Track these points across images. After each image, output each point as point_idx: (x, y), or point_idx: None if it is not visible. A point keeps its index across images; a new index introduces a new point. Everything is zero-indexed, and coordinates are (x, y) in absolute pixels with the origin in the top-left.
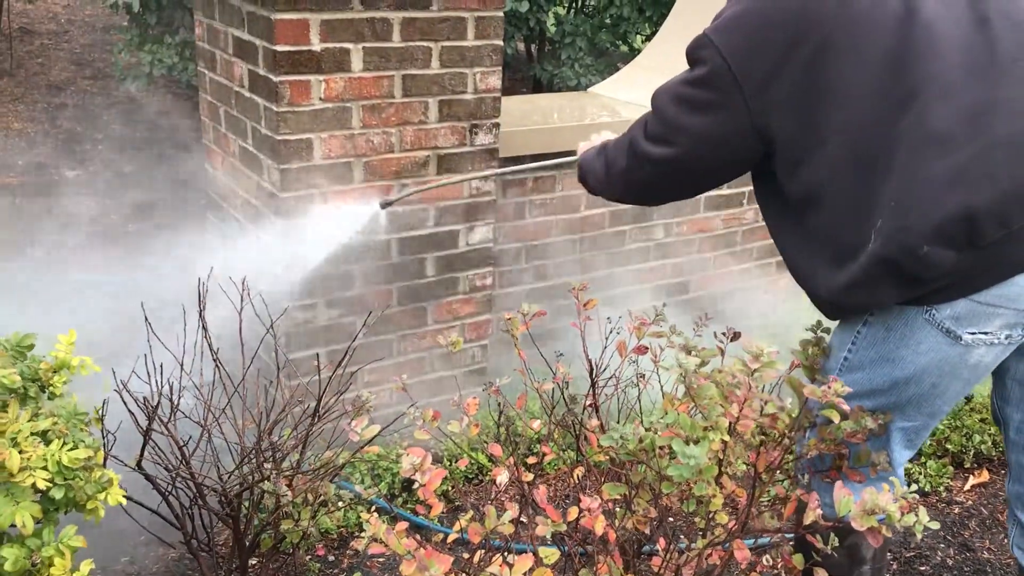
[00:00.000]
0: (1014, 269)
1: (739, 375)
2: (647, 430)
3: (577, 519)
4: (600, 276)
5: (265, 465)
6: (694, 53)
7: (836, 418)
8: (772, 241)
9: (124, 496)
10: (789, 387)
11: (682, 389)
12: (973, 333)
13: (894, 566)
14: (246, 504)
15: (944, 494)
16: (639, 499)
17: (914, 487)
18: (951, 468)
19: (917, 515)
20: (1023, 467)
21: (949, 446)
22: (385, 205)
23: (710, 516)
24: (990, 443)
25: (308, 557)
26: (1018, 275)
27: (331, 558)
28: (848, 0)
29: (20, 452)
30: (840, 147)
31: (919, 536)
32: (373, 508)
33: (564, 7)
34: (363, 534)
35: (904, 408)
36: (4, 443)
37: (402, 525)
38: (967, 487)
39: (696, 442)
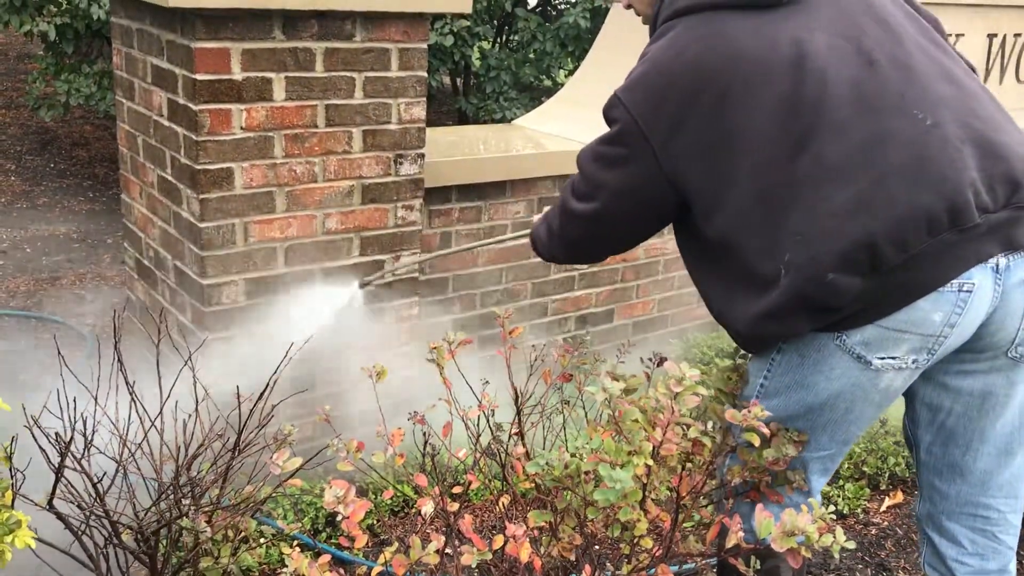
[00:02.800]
0: (917, 294)
1: (662, 399)
2: (572, 456)
3: (503, 547)
4: (526, 305)
5: (183, 501)
6: (607, 113)
7: (756, 441)
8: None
9: (34, 538)
10: (711, 414)
11: (606, 416)
12: (882, 358)
13: None
14: (164, 542)
15: (862, 515)
16: (564, 526)
17: (832, 509)
18: (868, 490)
19: (834, 536)
20: (934, 488)
21: (866, 468)
22: (364, 285)
23: (635, 541)
24: (904, 465)
25: None
26: (920, 300)
27: None
28: (741, 51)
29: None
30: (747, 189)
31: (837, 556)
32: (296, 544)
33: (489, 42)
34: (285, 570)
35: (819, 436)
36: None
37: (325, 558)
38: (883, 508)
39: (622, 466)
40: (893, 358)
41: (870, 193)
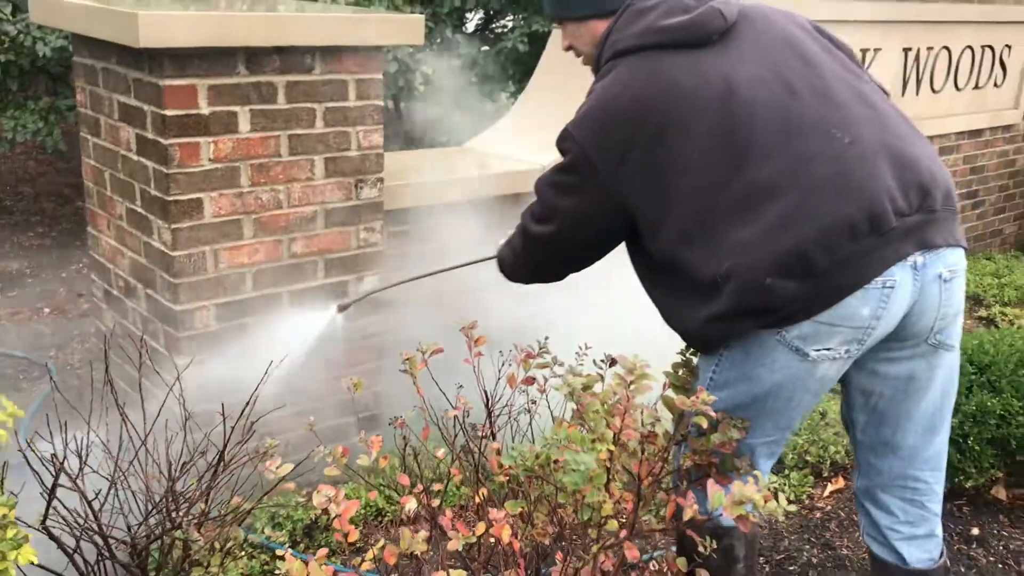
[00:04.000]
0: (846, 292)
1: (618, 389)
2: (542, 448)
3: (486, 531)
4: (484, 323)
5: (174, 514)
6: (560, 145)
7: (704, 423)
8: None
9: (25, 564)
10: (665, 406)
11: (570, 413)
12: (818, 350)
13: (766, 568)
14: (155, 555)
15: (807, 501)
16: (538, 513)
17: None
18: (811, 478)
19: (777, 501)
20: (869, 464)
21: (809, 458)
22: (343, 309)
23: (602, 522)
24: (844, 453)
25: None
26: (849, 297)
27: None
28: (677, 86)
29: None
30: (688, 208)
31: (782, 518)
32: (276, 554)
33: (431, 67)
34: (278, 573)
35: (764, 423)
36: None
37: (322, 552)
38: (826, 494)
39: (587, 452)
40: (828, 349)
41: (799, 206)
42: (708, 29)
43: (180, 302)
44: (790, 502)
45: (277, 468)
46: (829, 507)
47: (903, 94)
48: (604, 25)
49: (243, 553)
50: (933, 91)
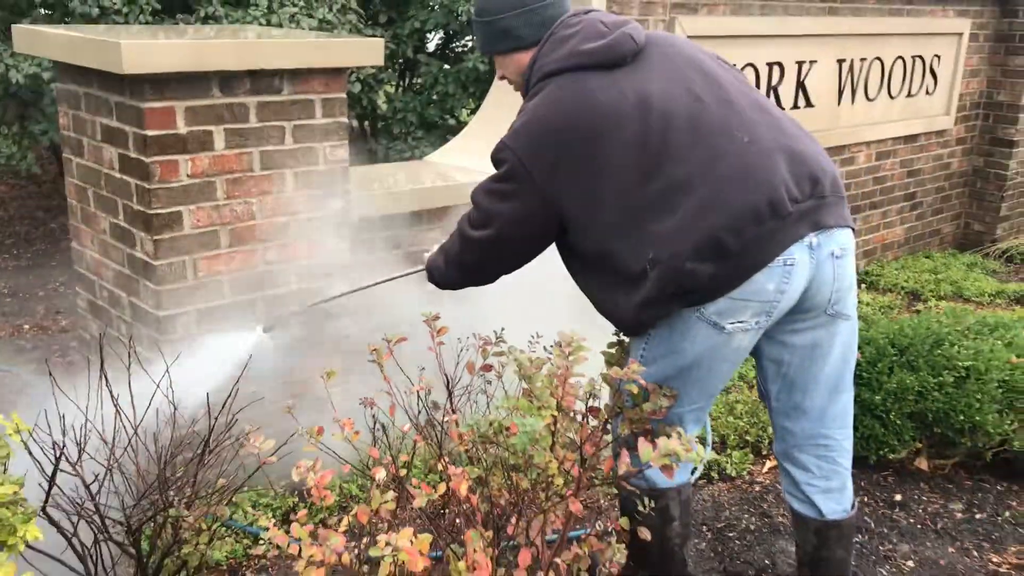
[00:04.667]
0: (753, 270)
1: (558, 360)
2: (495, 417)
3: (447, 489)
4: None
5: (169, 493)
6: (496, 156)
7: (635, 390)
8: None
9: (27, 545)
10: (604, 382)
11: (520, 389)
12: (732, 323)
13: (708, 535)
14: (148, 534)
15: (747, 476)
16: (494, 477)
17: (722, 472)
18: (751, 456)
19: (697, 451)
20: (784, 428)
21: (748, 438)
22: (268, 330)
23: (550, 481)
24: None
25: None
26: (756, 275)
27: None
28: (599, 102)
29: None
30: (614, 207)
31: (700, 469)
32: (258, 539)
33: (392, 86)
34: (262, 541)
35: (690, 391)
36: None
37: (309, 527)
38: (764, 470)
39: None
40: (741, 322)
41: (710, 198)
42: (622, 51)
43: (163, 308)
44: (731, 478)
45: (260, 444)
46: (767, 482)
47: (839, 103)
48: (528, 56)
49: (228, 534)
50: (868, 99)
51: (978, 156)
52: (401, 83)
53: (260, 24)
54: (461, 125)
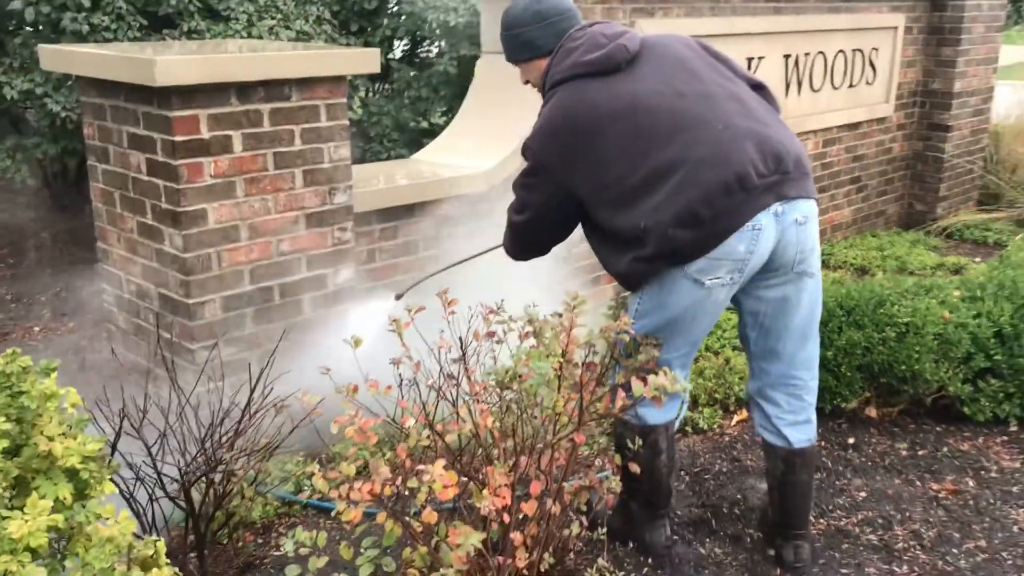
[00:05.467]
0: (726, 234)
1: (564, 312)
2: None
3: (473, 424)
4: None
5: (219, 451)
6: (523, 154)
7: (627, 339)
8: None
9: (110, 492)
10: (602, 339)
11: (527, 346)
12: (711, 279)
13: (687, 478)
14: (201, 488)
15: (718, 429)
16: (508, 417)
17: (696, 426)
18: (720, 411)
19: (680, 383)
20: (761, 369)
21: (717, 395)
22: (399, 297)
23: (556, 416)
24: (744, 391)
25: (240, 544)
26: (729, 238)
27: (259, 541)
28: (597, 105)
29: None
30: (615, 190)
31: (685, 396)
32: (286, 502)
33: (365, 91)
34: (306, 486)
35: (677, 340)
36: (43, 439)
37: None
38: (733, 423)
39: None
40: (718, 278)
41: (688, 178)
42: (616, 60)
43: (192, 296)
44: (703, 431)
45: (306, 399)
46: (736, 433)
47: (787, 94)
48: (546, 63)
49: (267, 491)
50: (813, 90)
51: (917, 141)
52: (374, 88)
53: (241, 37)
54: (433, 126)
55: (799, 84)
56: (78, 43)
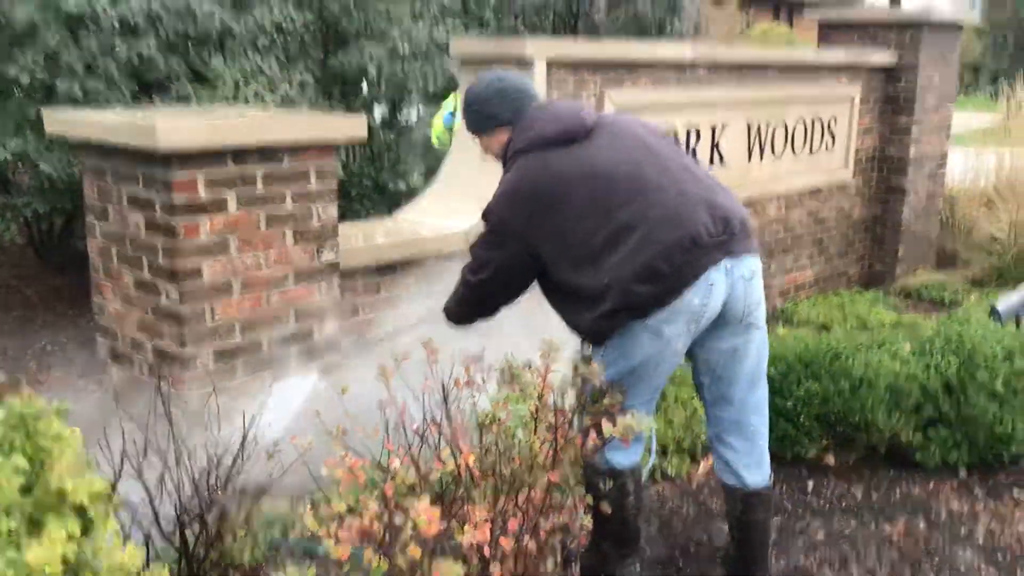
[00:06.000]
0: (683, 288)
1: (538, 359)
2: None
3: (456, 463)
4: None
5: (214, 493)
6: (485, 217)
7: (597, 382)
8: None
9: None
10: (571, 383)
11: (505, 392)
12: (670, 330)
13: (656, 522)
14: (194, 530)
15: (685, 476)
16: (488, 456)
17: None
18: (688, 459)
19: (645, 422)
20: (715, 415)
21: (685, 444)
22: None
23: (533, 457)
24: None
25: None
26: (685, 292)
27: None
28: (559, 172)
29: None
30: (577, 250)
31: (651, 436)
32: (274, 547)
33: (346, 153)
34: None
35: (640, 387)
36: (55, 477)
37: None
38: (700, 470)
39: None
40: (676, 329)
41: (647, 237)
42: (574, 132)
43: (186, 347)
44: (672, 479)
45: (304, 444)
46: (703, 479)
47: (750, 160)
48: (506, 135)
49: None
50: (775, 156)
51: (876, 204)
52: (355, 150)
53: (228, 101)
54: (411, 188)
55: (761, 150)
56: (71, 106)
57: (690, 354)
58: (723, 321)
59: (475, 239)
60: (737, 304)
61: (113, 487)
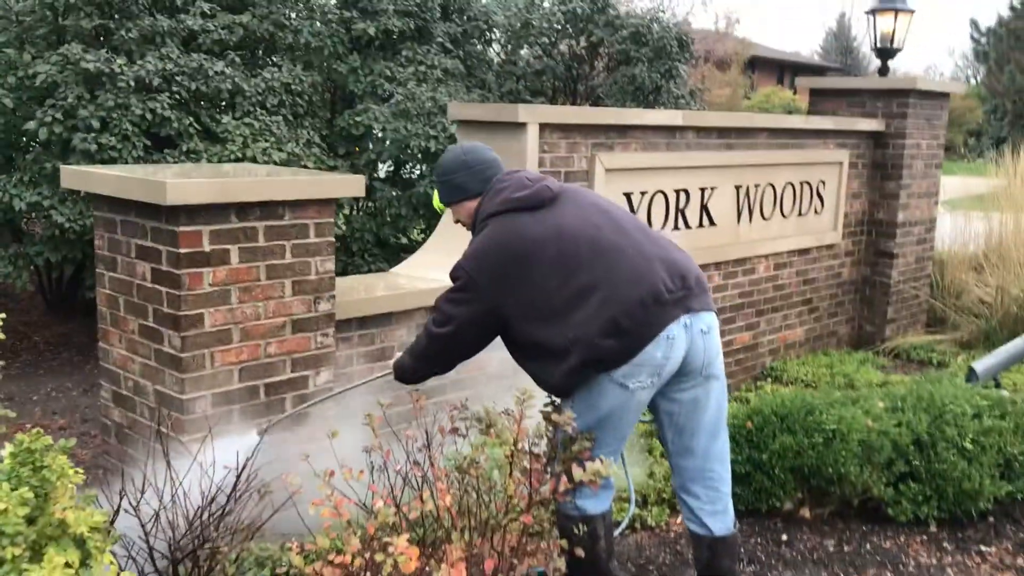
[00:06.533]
0: (645, 342)
1: (514, 407)
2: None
3: (433, 502)
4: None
5: (210, 530)
6: (454, 274)
7: (569, 429)
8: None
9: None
10: (546, 422)
11: (482, 437)
12: (634, 383)
13: (633, 569)
14: (187, 566)
15: (664, 526)
16: (466, 498)
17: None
18: (668, 510)
19: (612, 468)
20: (679, 465)
21: (664, 495)
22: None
23: (508, 499)
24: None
25: None
26: (647, 346)
27: None
28: (525, 234)
29: None
30: (541, 308)
31: (626, 521)
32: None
33: (349, 209)
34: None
35: (607, 436)
36: (59, 509)
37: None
38: (678, 521)
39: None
40: (640, 381)
41: (610, 295)
42: (541, 198)
43: (186, 392)
44: (651, 528)
45: (289, 480)
46: (680, 530)
47: (739, 221)
48: (474, 204)
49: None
50: (764, 218)
51: (865, 266)
52: (358, 206)
53: (237, 157)
54: (412, 242)
55: (750, 212)
56: (86, 161)
57: (653, 408)
58: (684, 373)
59: (442, 294)
60: (697, 356)
61: (111, 522)
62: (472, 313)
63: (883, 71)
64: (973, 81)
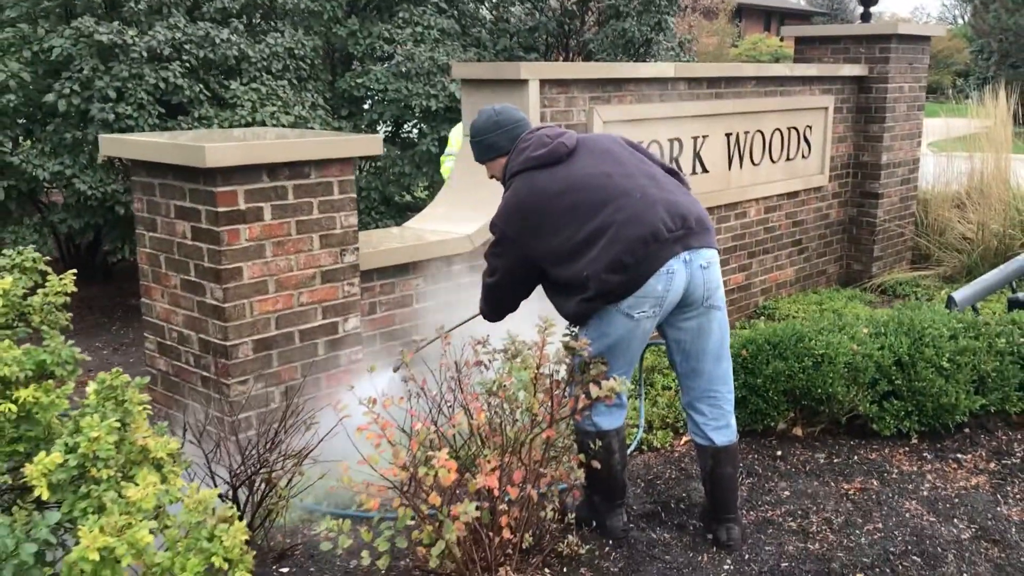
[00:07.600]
0: (647, 277)
1: (537, 334)
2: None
3: (470, 425)
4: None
5: (268, 456)
6: (491, 230)
7: (585, 354)
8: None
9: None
10: (565, 350)
11: (509, 365)
12: (638, 313)
13: (642, 484)
14: (245, 492)
15: (669, 448)
16: (494, 420)
17: (650, 445)
18: (672, 433)
19: (625, 385)
20: (687, 385)
21: (668, 420)
22: (396, 369)
23: (533, 416)
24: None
25: (272, 543)
26: (649, 279)
27: (288, 541)
28: (544, 189)
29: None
30: (562, 253)
31: (635, 443)
32: (311, 513)
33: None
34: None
35: (617, 360)
36: (141, 436)
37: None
38: (681, 442)
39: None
40: (644, 311)
41: (615, 235)
42: (558, 154)
43: (229, 339)
44: (656, 449)
45: (339, 408)
46: (683, 450)
47: (730, 168)
48: (504, 160)
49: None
50: (753, 164)
51: (852, 207)
52: (362, 166)
53: (246, 122)
54: (416, 200)
55: (740, 159)
56: (104, 129)
57: (663, 335)
58: (686, 304)
59: (488, 248)
60: (697, 289)
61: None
62: (510, 262)
63: (865, 17)
64: (960, 21)
